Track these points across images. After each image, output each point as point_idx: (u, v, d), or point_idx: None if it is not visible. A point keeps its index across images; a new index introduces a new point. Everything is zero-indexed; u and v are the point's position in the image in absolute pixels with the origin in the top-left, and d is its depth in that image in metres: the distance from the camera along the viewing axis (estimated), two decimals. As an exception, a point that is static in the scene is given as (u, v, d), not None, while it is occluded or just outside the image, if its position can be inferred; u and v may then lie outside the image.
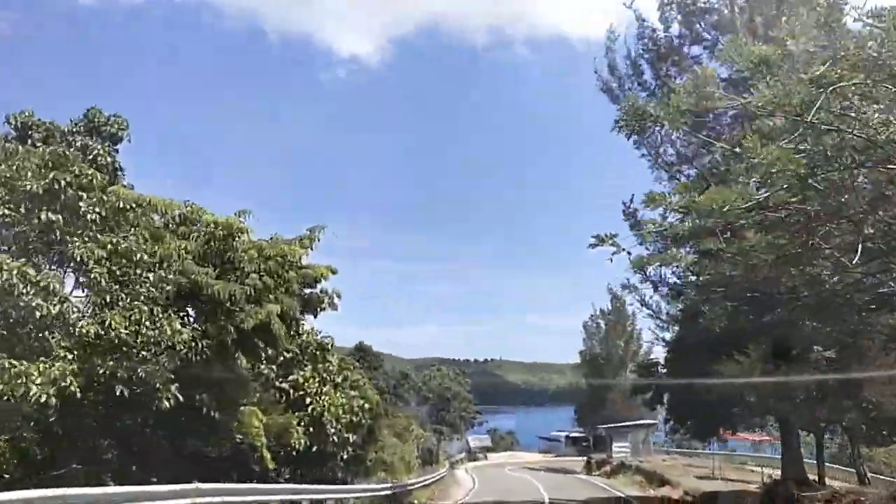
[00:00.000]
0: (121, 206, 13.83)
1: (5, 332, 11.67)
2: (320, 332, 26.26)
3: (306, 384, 24.17)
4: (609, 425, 59.66)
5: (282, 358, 22.91)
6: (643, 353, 66.22)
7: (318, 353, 24.86)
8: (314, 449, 23.48)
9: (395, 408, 54.17)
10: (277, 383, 24.06)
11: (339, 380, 26.01)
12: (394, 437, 42.61)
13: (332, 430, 23.67)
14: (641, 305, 27.45)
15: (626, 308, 67.38)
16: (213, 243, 16.64)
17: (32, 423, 11.79)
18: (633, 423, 57.99)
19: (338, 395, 24.94)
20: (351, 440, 24.93)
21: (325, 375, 24.94)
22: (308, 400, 23.82)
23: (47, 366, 11.06)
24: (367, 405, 26.89)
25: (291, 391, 24.08)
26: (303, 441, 22.81)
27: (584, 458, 76.14)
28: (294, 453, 22.84)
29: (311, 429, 23.36)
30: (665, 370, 28.26)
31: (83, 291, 13.63)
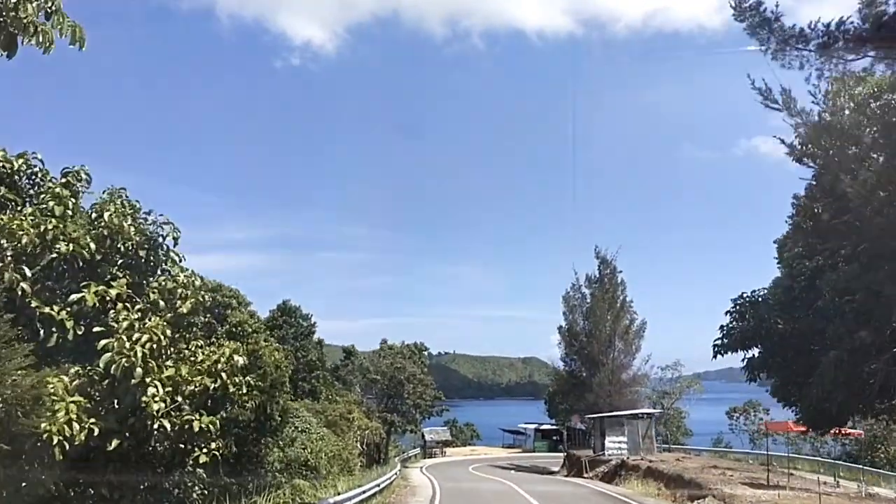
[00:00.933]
0: None
1: None
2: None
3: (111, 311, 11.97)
4: (598, 415, 48.38)
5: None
6: (636, 327, 55.47)
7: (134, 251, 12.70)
8: (123, 444, 11.33)
9: (331, 390, 42.19)
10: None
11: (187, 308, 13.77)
12: (324, 428, 30.57)
13: (159, 405, 11.50)
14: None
15: (616, 274, 56.45)
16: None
17: None
18: (631, 412, 46.86)
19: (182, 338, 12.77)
20: (211, 427, 12.73)
21: (155, 296, 12.72)
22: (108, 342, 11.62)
23: None
24: (259, 369, 14.84)
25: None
26: (92, 428, 10.71)
27: (562, 454, 65.61)
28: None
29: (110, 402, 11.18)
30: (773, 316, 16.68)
31: None
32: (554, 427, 75.61)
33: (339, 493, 20.01)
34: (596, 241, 58.64)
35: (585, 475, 41.74)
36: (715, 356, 18.06)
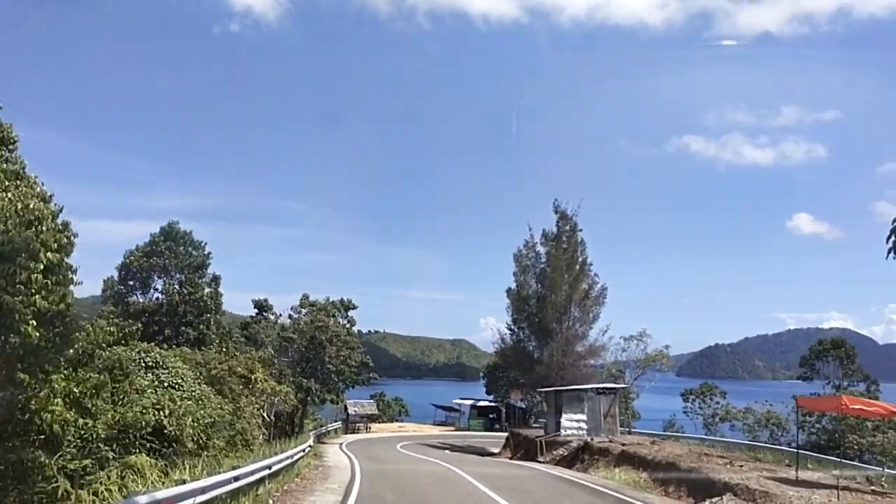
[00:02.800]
0: None
1: None
2: None
3: None
4: (555, 388, 41.27)
5: None
6: (596, 293, 48.60)
7: None
8: None
9: (228, 342, 33.72)
10: None
11: None
12: (204, 386, 22.24)
13: None
14: None
15: (576, 233, 49.34)
16: None
17: None
18: (594, 386, 39.88)
19: None
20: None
21: None
22: None
23: None
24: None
25: None
26: None
27: (501, 434, 58.59)
28: None
29: None
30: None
31: None
32: (492, 404, 68.66)
33: (185, 481, 11.79)
34: (536, 228, 50.86)
35: (540, 458, 34.49)
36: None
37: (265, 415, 37.41)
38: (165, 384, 20.33)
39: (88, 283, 12.64)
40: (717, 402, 60.89)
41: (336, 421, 62.37)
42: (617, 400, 39.17)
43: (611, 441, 32.67)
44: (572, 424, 38.18)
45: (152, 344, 22.34)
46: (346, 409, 62.61)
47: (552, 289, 48.42)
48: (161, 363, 21.21)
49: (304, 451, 26.44)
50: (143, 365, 20.93)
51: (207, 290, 37.09)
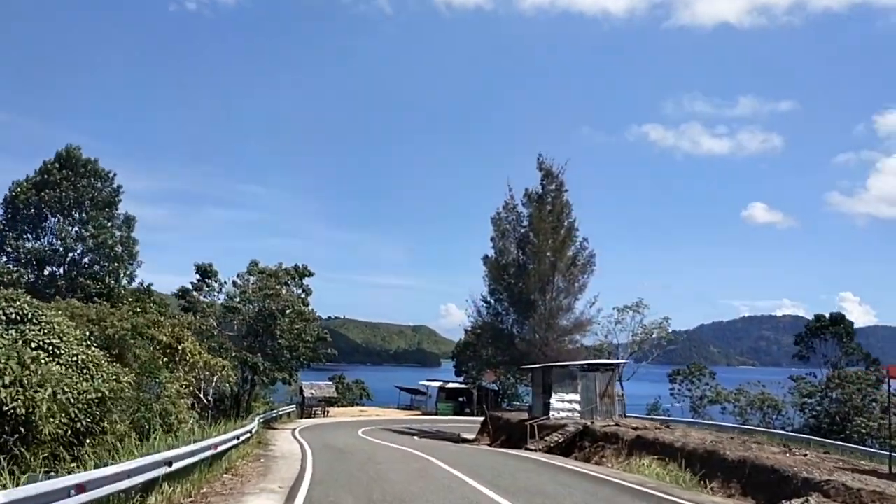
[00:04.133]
0: None
1: None
2: None
3: None
4: (542, 365, 35.90)
5: None
6: (584, 260, 43.33)
7: None
8: None
9: (146, 302, 27.45)
10: None
11: None
12: (95, 350, 16.15)
13: None
14: None
15: (562, 193, 43.91)
16: None
17: None
18: (589, 362, 34.65)
19: None
20: None
21: None
22: None
23: None
24: None
25: None
26: None
27: (473, 419, 53.24)
28: None
29: None
30: None
31: None
32: (462, 386, 63.16)
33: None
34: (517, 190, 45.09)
35: (531, 445, 29.02)
36: None
37: (202, 395, 31.30)
38: (34, 345, 14.19)
39: None
40: (707, 384, 56.46)
41: (291, 404, 56.22)
42: (615, 377, 33.93)
43: (617, 425, 27.31)
44: (563, 406, 32.87)
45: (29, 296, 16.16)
46: (301, 391, 56.48)
47: (535, 255, 43.02)
48: (30, 316, 15.03)
49: (239, 438, 20.48)
50: (4, 318, 14.76)
51: (118, 233, 30.38)
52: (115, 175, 31.41)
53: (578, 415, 32.44)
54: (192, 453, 13.53)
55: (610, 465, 21.93)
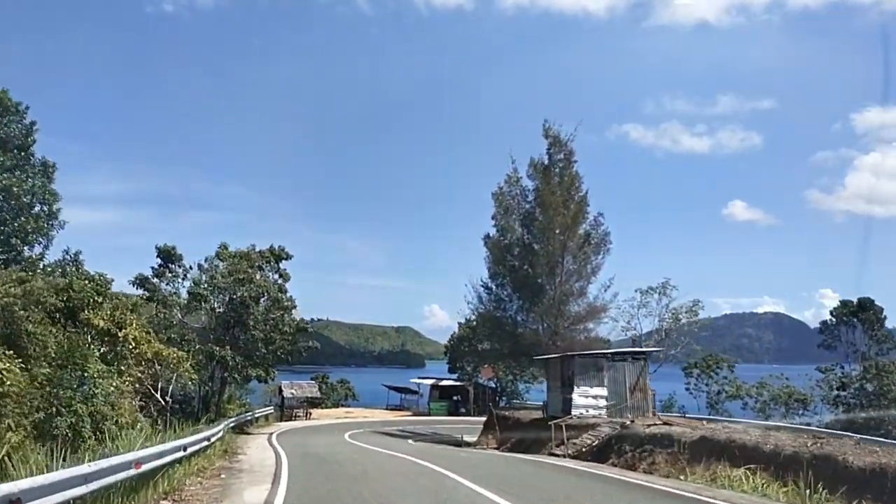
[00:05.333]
0: None
1: None
2: None
3: None
4: (561, 355, 30.98)
5: None
6: (598, 237, 38.55)
7: None
8: None
9: (80, 274, 22.07)
10: None
11: None
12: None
13: None
14: None
15: (572, 163, 39.00)
16: None
17: None
18: (617, 350, 29.83)
19: None
20: None
21: None
22: None
23: None
24: None
25: None
26: None
27: (470, 419, 48.33)
28: None
29: None
30: None
31: None
32: (457, 384, 58.04)
33: None
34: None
35: (557, 450, 24.00)
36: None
37: (160, 395, 26.00)
38: None
39: None
40: (725, 378, 51.83)
41: (269, 406, 50.88)
42: (647, 368, 29.00)
43: (667, 423, 22.37)
44: (587, 402, 27.97)
45: None
46: (280, 391, 51.13)
47: (542, 233, 38.07)
48: None
49: (186, 449, 15.24)
50: None
51: (32, 182, 24.64)
52: (27, 108, 25.66)
53: (605, 412, 27.57)
54: (86, 478, 8.37)
55: (661, 474, 16.97)
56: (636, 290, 37.17)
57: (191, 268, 36.69)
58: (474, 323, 57.54)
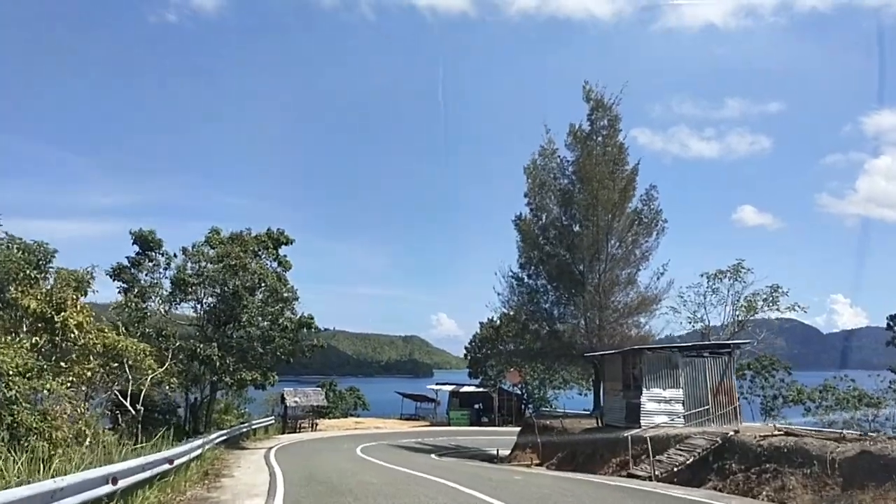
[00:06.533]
0: None
1: None
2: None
3: None
4: (622, 350, 25.52)
5: None
6: (650, 216, 33.19)
7: None
8: None
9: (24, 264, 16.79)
10: None
11: None
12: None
13: None
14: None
15: (618, 131, 33.65)
16: None
17: None
18: (697, 343, 24.41)
19: None
20: None
21: None
22: None
23: None
24: None
25: None
26: None
27: (497, 427, 42.92)
28: None
29: None
30: None
31: None
32: (479, 390, 52.39)
33: None
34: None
35: (637, 469, 18.49)
36: None
37: (129, 402, 20.60)
38: None
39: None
40: (781, 380, 45.98)
41: (269, 416, 45.44)
42: (732, 364, 23.42)
43: (789, 433, 16.77)
44: (660, 407, 22.44)
45: None
46: (283, 399, 45.69)
47: (585, 211, 32.59)
48: None
49: (113, 481, 9.81)
50: None
51: None
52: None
53: (681, 420, 22.06)
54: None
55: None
56: (701, 275, 31.42)
57: (175, 255, 31.36)
58: (498, 322, 52.27)
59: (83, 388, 15.86)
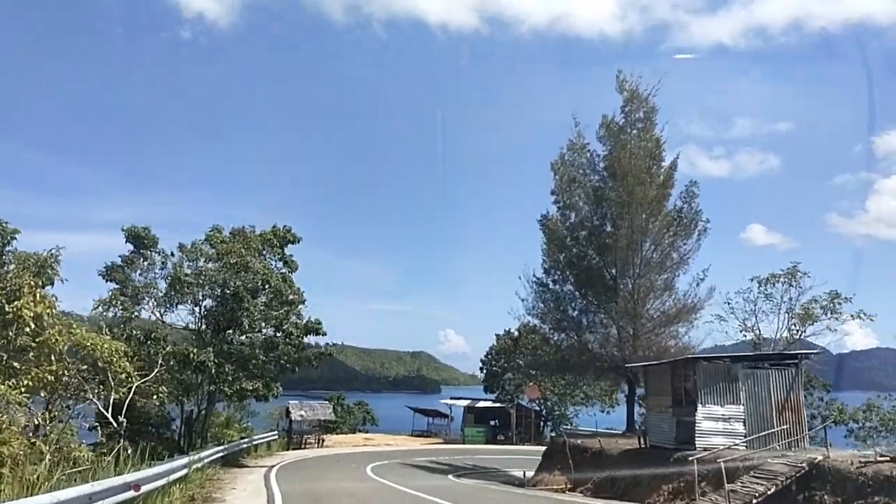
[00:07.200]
0: None
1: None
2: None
3: None
4: (670, 360, 22.67)
5: None
6: (690, 214, 30.47)
7: None
8: None
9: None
10: None
11: None
12: None
13: None
14: None
15: (653, 122, 30.91)
16: None
17: None
18: (760, 353, 21.54)
19: None
20: None
21: None
22: None
23: None
24: None
25: None
26: None
27: (515, 445, 40.02)
28: None
29: None
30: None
31: None
32: (496, 405, 49.33)
33: None
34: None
35: (704, 501, 15.55)
36: None
37: (110, 413, 17.87)
38: None
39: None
40: (820, 398, 42.80)
41: (273, 431, 42.62)
42: (800, 378, 20.42)
43: (894, 458, 13.83)
44: (716, 427, 19.51)
45: None
46: (287, 413, 42.85)
47: (620, 210, 29.80)
48: None
49: None
50: None
51: None
52: None
53: (743, 441, 19.11)
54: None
55: None
56: (752, 279, 28.37)
57: (172, 254, 28.71)
58: (516, 333, 49.37)
59: (44, 395, 13.20)
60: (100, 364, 14.90)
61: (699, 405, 19.52)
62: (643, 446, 22.68)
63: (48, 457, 12.47)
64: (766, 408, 19.60)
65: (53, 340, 13.11)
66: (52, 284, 14.28)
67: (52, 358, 13.27)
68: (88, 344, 14.31)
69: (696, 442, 19.15)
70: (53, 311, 13.42)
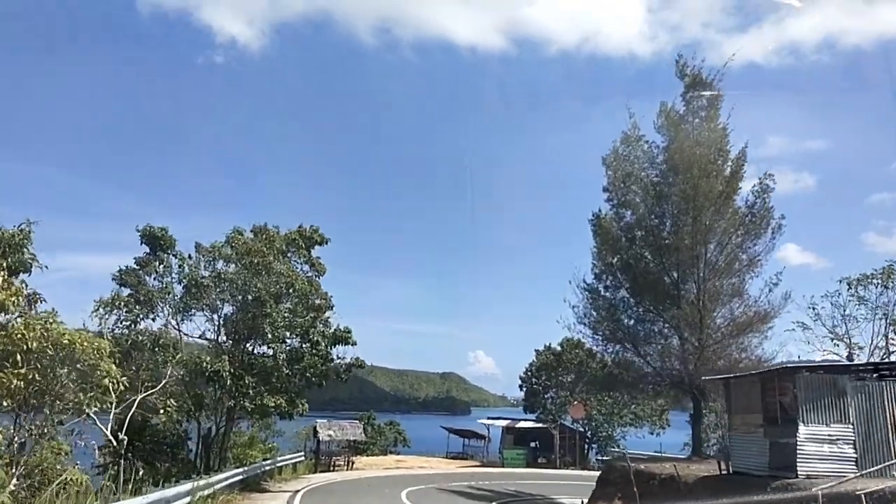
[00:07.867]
0: None
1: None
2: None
3: None
4: (762, 370, 19.50)
5: None
6: (760, 211, 27.20)
7: None
8: None
9: None
10: None
11: None
12: None
13: None
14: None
15: (719, 111, 27.90)
16: None
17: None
18: (868, 363, 18.38)
19: None
20: None
21: None
22: None
23: None
24: None
25: None
26: None
27: (560, 470, 36.80)
28: None
29: None
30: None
31: None
32: (537, 426, 45.96)
33: None
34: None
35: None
36: None
37: (109, 431, 15.25)
38: None
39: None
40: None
41: (299, 451, 39.85)
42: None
43: None
44: (822, 450, 16.20)
45: None
46: (315, 433, 40.05)
47: (683, 206, 26.78)
48: None
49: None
50: None
51: None
52: None
53: (854, 467, 15.83)
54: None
55: None
56: (839, 280, 24.93)
57: (189, 256, 26.27)
58: (559, 349, 46.19)
59: (7, 404, 10.64)
60: (80, 367, 12.31)
61: (801, 424, 16.28)
62: (726, 472, 19.43)
63: (10, 486, 9.82)
64: (880, 426, 16.30)
65: (19, 336, 10.60)
66: (29, 272, 11.81)
67: (19, 358, 10.73)
68: (66, 341, 11.77)
69: (798, 468, 15.91)
70: (19, 299, 10.89)
